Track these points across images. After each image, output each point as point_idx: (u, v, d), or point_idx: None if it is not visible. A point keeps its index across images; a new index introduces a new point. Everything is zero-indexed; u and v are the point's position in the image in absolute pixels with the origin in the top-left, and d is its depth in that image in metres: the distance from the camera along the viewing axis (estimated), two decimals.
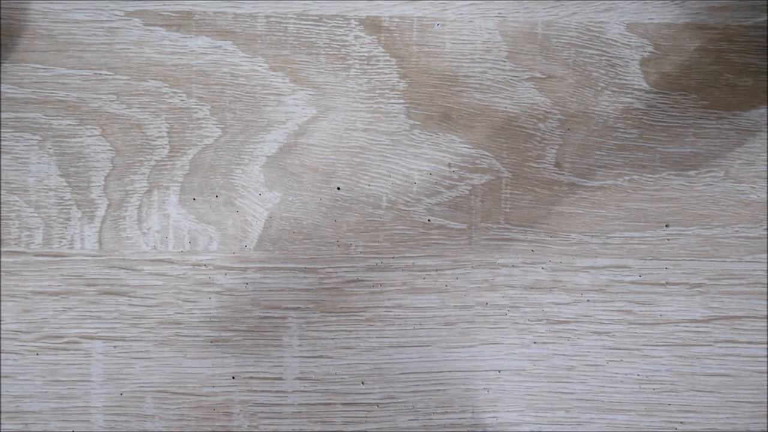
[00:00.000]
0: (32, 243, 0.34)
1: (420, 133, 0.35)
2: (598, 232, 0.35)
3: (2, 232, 0.34)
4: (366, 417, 0.35)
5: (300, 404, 0.35)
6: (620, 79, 0.35)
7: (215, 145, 0.35)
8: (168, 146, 0.35)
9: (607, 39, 0.35)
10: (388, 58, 0.35)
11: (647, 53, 0.35)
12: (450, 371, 0.35)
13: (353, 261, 0.35)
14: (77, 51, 0.34)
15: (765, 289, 0.35)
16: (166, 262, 0.35)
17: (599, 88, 0.35)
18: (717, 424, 0.36)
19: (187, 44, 0.35)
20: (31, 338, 0.35)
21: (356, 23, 0.35)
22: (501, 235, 0.35)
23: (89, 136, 0.35)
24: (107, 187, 0.35)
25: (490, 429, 0.35)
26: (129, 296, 0.35)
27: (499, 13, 0.35)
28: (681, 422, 0.35)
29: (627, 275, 0.35)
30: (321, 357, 0.35)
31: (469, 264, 0.35)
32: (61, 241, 0.35)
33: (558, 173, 0.35)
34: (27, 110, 0.34)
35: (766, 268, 0.35)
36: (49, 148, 0.34)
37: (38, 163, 0.35)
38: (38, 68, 0.34)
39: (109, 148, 0.35)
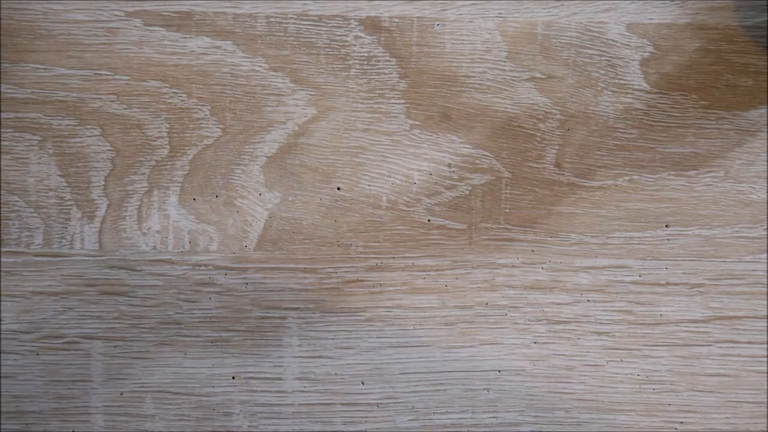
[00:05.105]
0: (32, 243, 0.34)
1: (420, 133, 0.35)
2: (598, 232, 0.35)
3: (2, 232, 0.34)
4: (366, 417, 0.35)
5: (300, 404, 0.35)
6: (620, 79, 0.35)
7: (215, 145, 0.35)
8: (168, 146, 0.35)
9: (607, 39, 0.35)
10: (388, 58, 0.35)
11: (647, 53, 0.35)
12: (450, 371, 0.35)
13: (353, 261, 0.35)
14: (77, 51, 0.34)
15: (765, 289, 0.35)
16: (166, 262, 0.35)
17: (599, 88, 0.35)
18: (717, 424, 0.36)
19: (187, 44, 0.35)
20: (31, 338, 0.35)
21: (356, 23, 0.35)
22: (501, 235, 0.35)
23: (89, 136, 0.35)
24: (107, 187, 0.35)
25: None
26: (129, 296, 0.35)
27: (499, 13, 0.35)
28: (681, 422, 0.35)
29: (627, 275, 0.35)
30: (321, 357, 0.35)
31: (469, 264, 0.35)
32: (61, 241, 0.35)
33: (558, 173, 0.35)
34: (27, 110, 0.34)
35: (766, 268, 0.35)
36: (49, 148, 0.34)
37: (38, 163, 0.35)
38: (38, 68, 0.34)
39: (109, 148, 0.35)
